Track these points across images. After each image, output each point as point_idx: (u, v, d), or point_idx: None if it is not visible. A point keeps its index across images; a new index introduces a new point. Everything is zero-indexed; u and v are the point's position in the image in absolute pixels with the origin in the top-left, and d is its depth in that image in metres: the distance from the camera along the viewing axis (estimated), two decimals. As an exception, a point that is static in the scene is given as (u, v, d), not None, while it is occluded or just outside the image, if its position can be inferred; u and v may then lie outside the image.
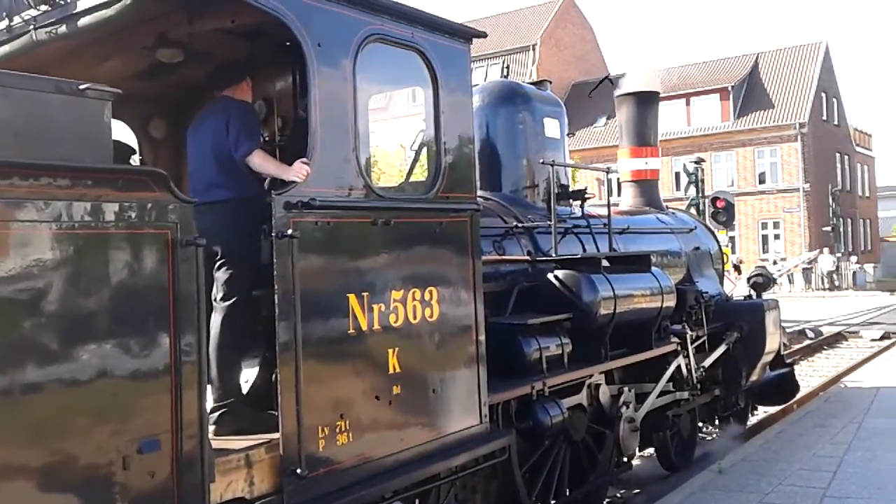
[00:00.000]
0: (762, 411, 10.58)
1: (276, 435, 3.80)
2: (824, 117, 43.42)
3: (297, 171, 4.01)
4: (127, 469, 3.03)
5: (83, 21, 4.05)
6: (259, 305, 4.23)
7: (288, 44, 4.39)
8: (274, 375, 3.91)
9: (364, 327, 4.23)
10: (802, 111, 40.49)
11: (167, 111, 5.45)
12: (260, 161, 4.27)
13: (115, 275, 3.11)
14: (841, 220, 41.83)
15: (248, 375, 4.48)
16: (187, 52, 4.65)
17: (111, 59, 4.71)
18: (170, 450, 3.19)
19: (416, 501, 4.69)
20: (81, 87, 3.23)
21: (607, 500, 7.18)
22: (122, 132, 5.16)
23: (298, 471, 3.78)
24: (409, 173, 6.34)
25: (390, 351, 4.38)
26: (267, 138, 5.08)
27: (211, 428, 3.79)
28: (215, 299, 4.20)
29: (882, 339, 18.20)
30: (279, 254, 3.83)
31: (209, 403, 3.87)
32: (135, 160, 5.11)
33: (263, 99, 5.19)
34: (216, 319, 4.17)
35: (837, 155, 45.52)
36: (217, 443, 3.66)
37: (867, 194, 51.48)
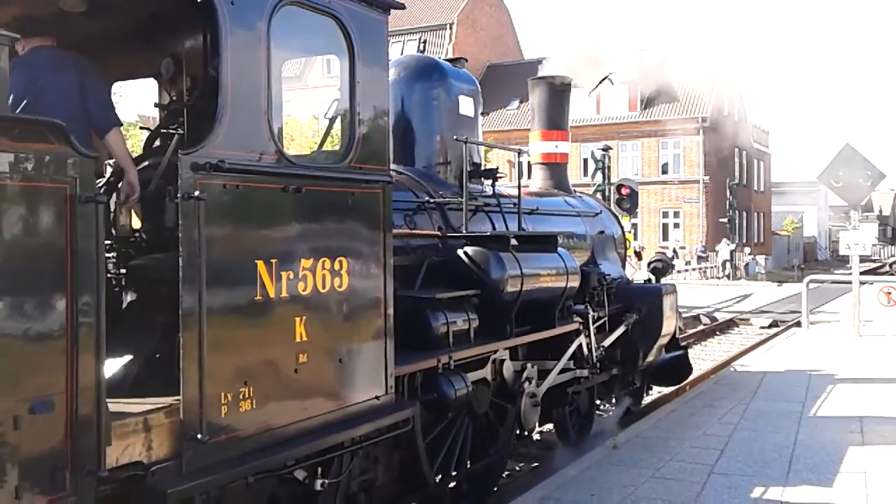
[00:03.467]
0: (656, 391, 10.99)
1: (177, 399, 3.72)
2: (725, 113, 45.01)
3: (132, 180, 4.09)
4: (18, 429, 2.92)
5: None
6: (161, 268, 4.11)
7: (199, 0, 4.25)
8: (177, 340, 3.82)
9: (272, 295, 4.16)
10: (705, 106, 41.85)
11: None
12: (118, 140, 4.16)
13: (9, 228, 2.97)
14: (737, 212, 43.56)
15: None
16: (92, 2, 4.44)
17: (10, 5, 4.46)
18: (64, 411, 3.08)
19: (319, 470, 4.68)
20: (-23, 29, 3.06)
21: (506, 472, 7.34)
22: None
23: (199, 436, 3.71)
24: (322, 142, 6.26)
25: (298, 319, 4.32)
26: (175, 97, 4.92)
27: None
28: None
29: (770, 326, 19.11)
30: (185, 216, 3.72)
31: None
32: None
33: (171, 56, 5.01)
34: None
35: (736, 150, 47.30)
36: (115, 405, 3.55)
37: (762, 189, 53.73)
